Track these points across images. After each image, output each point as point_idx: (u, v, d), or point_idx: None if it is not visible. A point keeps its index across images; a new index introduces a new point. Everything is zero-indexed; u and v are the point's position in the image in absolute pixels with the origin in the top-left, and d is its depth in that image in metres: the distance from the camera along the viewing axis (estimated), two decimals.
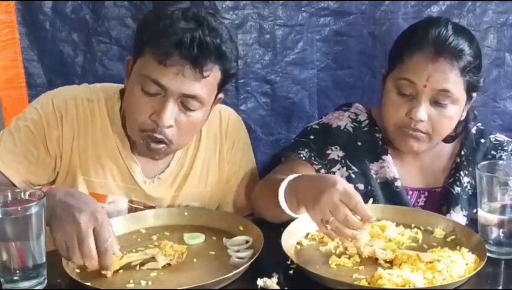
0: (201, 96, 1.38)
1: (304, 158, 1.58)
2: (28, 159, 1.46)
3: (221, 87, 1.45)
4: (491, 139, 1.65)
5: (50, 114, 1.47)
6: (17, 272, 1.12)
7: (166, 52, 1.31)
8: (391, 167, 1.59)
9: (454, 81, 1.46)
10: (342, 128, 1.64)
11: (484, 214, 1.30)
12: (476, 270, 1.17)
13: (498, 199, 1.29)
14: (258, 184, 1.58)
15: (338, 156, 1.60)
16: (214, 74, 1.38)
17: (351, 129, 1.64)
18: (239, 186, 1.65)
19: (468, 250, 1.25)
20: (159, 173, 1.55)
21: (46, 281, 1.16)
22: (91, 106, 1.50)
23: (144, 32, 1.38)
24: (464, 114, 1.57)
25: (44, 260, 1.15)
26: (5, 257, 1.11)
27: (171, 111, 1.37)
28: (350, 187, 1.23)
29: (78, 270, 1.22)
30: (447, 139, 1.62)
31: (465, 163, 1.61)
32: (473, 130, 1.66)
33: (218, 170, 1.63)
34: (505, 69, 2.12)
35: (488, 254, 1.22)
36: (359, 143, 1.62)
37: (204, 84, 1.37)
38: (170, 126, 1.38)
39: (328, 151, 1.61)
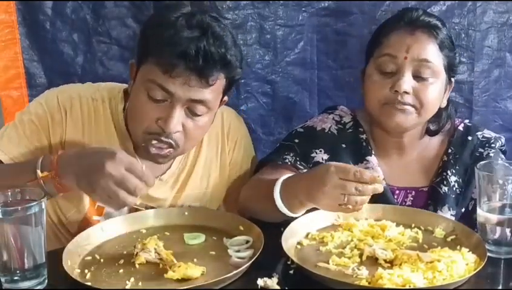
0: (209, 100, 1.38)
1: (289, 163, 1.57)
2: (32, 152, 1.44)
3: (226, 91, 1.46)
4: (478, 136, 1.63)
5: (55, 110, 1.46)
6: (17, 272, 1.12)
7: (171, 63, 1.31)
8: (376, 168, 1.58)
9: (433, 53, 1.50)
10: (326, 130, 1.63)
11: (484, 214, 1.30)
12: (477, 270, 1.17)
13: (497, 198, 1.29)
14: (245, 187, 1.58)
15: (323, 159, 1.59)
16: (220, 81, 1.39)
17: (335, 131, 1.63)
18: (242, 186, 1.64)
19: (468, 250, 1.25)
20: (161, 173, 1.55)
21: (46, 281, 1.16)
22: (95, 104, 1.49)
23: (147, 40, 1.38)
24: (445, 101, 1.59)
25: (44, 260, 1.15)
26: (5, 257, 1.11)
27: (178, 117, 1.37)
28: (340, 163, 1.28)
29: (78, 271, 1.22)
30: (430, 132, 1.62)
31: (452, 162, 1.60)
32: (460, 127, 1.65)
33: (220, 170, 1.63)
34: (506, 69, 2.12)
35: (487, 254, 1.22)
36: (344, 145, 1.62)
37: (210, 91, 1.37)
38: (178, 131, 1.39)
39: (312, 155, 1.60)
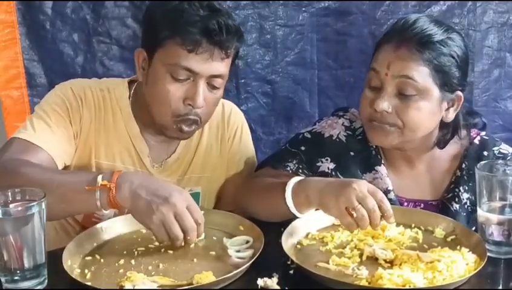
0: (225, 73, 1.50)
1: (290, 171, 1.55)
2: (63, 139, 1.51)
3: (232, 64, 1.55)
4: (495, 151, 1.55)
5: (72, 98, 1.54)
6: (18, 272, 1.12)
7: (196, 41, 1.41)
8: (385, 179, 1.54)
9: (416, 69, 1.40)
10: (334, 137, 1.58)
11: (484, 214, 1.30)
12: (477, 270, 1.17)
13: (497, 198, 1.28)
14: (245, 183, 1.59)
15: (329, 168, 1.55)
16: (233, 52, 1.50)
17: (343, 138, 1.58)
18: (240, 177, 1.69)
19: (468, 250, 1.25)
20: (166, 157, 1.63)
21: (46, 281, 1.16)
22: (102, 94, 1.58)
23: (160, 27, 1.45)
24: (451, 116, 1.50)
25: (44, 260, 1.15)
26: (5, 257, 1.11)
27: (203, 93, 1.47)
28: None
29: (78, 271, 1.22)
30: (439, 144, 1.55)
31: (465, 178, 1.53)
32: (476, 140, 1.57)
33: (220, 157, 1.69)
34: (506, 69, 2.12)
35: (487, 254, 1.22)
36: (352, 153, 1.57)
37: (226, 64, 1.49)
38: (203, 106, 1.49)
39: (318, 164, 1.56)
